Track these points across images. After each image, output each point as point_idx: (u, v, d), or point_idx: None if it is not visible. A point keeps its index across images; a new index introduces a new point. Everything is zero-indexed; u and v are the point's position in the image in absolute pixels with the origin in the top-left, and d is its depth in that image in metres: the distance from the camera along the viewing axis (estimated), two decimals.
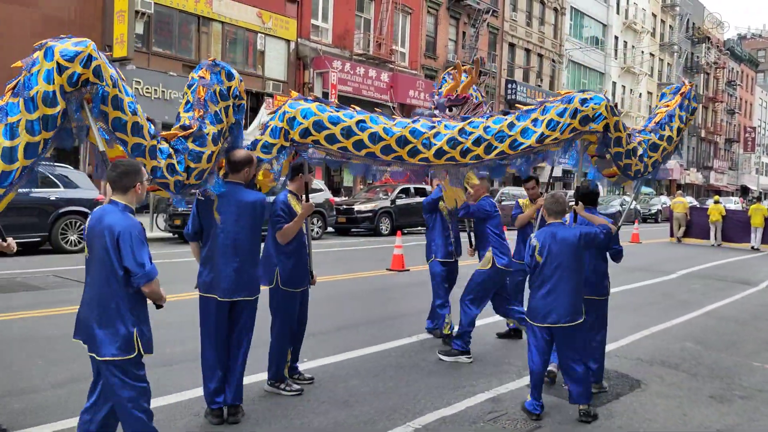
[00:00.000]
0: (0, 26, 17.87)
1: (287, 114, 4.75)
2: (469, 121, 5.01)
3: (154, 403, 4.64)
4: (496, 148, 4.87)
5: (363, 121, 4.81)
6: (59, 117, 3.54)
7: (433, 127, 4.89)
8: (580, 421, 4.63)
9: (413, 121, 4.97)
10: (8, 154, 3.46)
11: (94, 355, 3.38)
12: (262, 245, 4.80)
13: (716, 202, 22.33)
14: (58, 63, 3.48)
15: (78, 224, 13.14)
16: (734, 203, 38.00)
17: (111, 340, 3.35)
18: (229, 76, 4.30)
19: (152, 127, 4.01)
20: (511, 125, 4.92)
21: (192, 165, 4.09)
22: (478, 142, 4.87)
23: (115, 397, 3.39)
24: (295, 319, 5.11)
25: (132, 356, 3.38)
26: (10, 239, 4.40)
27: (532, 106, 5.08)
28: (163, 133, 4.17)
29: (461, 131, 4.90)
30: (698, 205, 25.19)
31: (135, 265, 3.31)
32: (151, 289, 3.41)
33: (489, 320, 7.88)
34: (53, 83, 3.47)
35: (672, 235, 22.16)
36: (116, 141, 3.84)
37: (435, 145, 4.83)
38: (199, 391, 4.69)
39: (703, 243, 21.13)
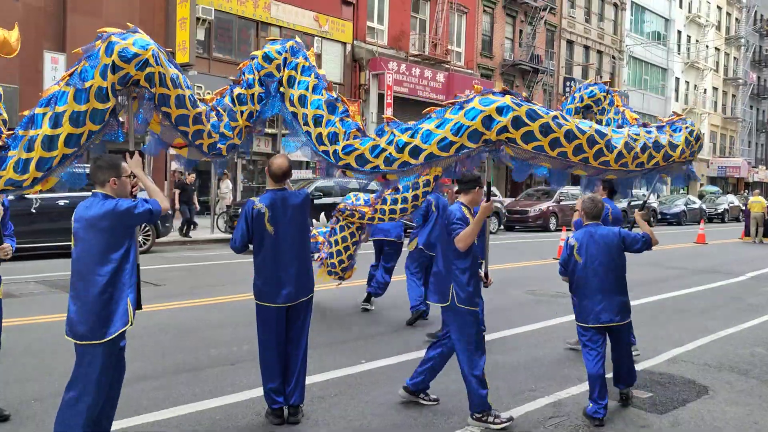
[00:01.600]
0: (69, 35, 18.64)
1: (482, 113, 4.19)
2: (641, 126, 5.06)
3: (217, 402, 4.77)
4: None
5: (557, 117, 4.36)
6: (108, 112, 3.64)
7: (605, 131, 4.62)
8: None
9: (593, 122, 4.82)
10: (47, 142, 3.56)
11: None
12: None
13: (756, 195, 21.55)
14: (114, 62, 3.57)
15: (143, 226, 13.57)
16: None
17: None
18: (266, 59, 4.66)
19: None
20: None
21: (231, 123, 4.51)
22: (644, 148, 4.75)
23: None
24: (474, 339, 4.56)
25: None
26: (6, 243, 4.46)
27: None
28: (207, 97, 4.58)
29: (631, 136, 4.68)
30: None
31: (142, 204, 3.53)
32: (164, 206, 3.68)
33: (551, 323, 7.76)
34: (107, 80, 3.56)
35: (747, 234, 21.48)
36: (178, 133, 4.10)
37: (615, 147, 4.57)
38: (261, 391, 4.77)
39: None
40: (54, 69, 18.04)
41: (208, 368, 5.60)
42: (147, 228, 13.60)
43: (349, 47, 25.67)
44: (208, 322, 7.39)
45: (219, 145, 4.58)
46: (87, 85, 3.52)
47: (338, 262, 7.65)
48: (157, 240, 14.05)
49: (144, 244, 13.58)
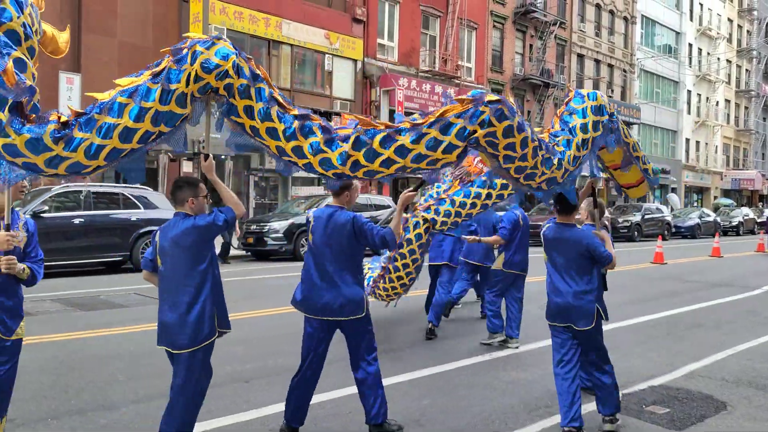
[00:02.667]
0: (84, 56, 18.91)
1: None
2: None
3: (231, 419, 4.77)
4: None
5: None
6: (182, 118, 3.63)
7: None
8: None
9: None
10: (125, 134, 3.45)
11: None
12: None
13: None
14: (196, 71, 3.55)
15: None
16: None
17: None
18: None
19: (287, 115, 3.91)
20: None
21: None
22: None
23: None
24: None
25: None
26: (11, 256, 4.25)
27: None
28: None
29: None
30: None
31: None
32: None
33: None
34: (189, 87, 3.54)
35: None
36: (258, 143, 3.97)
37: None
38: (275, 408, 4.77)
39: None
40: (69, 89, 18.30)
41: (223, 385, 5.60)
42: None
43: (359, 64, 25.85)
44: (224, 339, 7.36)
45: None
46: (173, 87, 3.49)
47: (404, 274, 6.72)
48: None
49: None
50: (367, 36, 26.11)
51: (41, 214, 12.06)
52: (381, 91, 26.08)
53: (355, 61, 25.72)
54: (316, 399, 5.22)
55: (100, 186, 13.86)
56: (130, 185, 13.82)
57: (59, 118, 3.39)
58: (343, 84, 25.48)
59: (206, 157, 3.87)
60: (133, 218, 13.39)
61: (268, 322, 8.43)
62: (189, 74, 3.52)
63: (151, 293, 10.38)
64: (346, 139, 3.82)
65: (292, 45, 23.55)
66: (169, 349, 3.81)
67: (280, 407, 5.00)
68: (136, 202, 13.59)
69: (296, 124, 3.81)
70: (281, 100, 3.88)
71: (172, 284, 3.80)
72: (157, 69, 3.54)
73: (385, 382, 5.73)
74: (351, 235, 4.35)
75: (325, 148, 3.82)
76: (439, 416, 4.96)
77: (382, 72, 26.30)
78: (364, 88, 26.08)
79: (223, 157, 18.32)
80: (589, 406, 5.24)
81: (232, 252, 16.81)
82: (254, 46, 22.61)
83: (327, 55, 24.72)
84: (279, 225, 16.09)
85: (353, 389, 5.50)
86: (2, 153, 3.27)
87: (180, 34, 20.72)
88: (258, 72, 3.81)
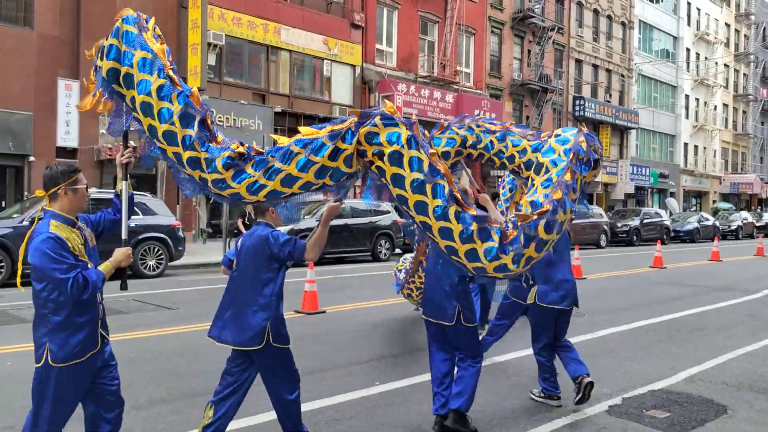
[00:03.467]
0: (83, 63, 18.92)
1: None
2: None
3: (235, 425, 4.75)
4: None
5: None
6: (347, 176, 3.65)
7: None
8: None
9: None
10: (288, 180, 3.57)
11: None
12: None
13: None
14: (360, 140, 3.59)
15: (156, 250, 13.64)
16: None
17: None
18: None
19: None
20: None
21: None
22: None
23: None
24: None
25: None
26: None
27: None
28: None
29: None
30: None
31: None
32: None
33: None
34: (353, 148, 3.58)
35: None
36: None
37: None
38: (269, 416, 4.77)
39: None
40: (67, 96, 18.31)
41: (208, 395, 5.58)
42: (160, 251, 13.68)
43: (358, 70, 25.89)
44: (213, 346, 7.37)
45: None
46: (343, 147, 3.55)
47: None
48: (170, 263, 14.11)
49: (157, 268, 13.65)
50: (366, 41, 26.16)
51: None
52: (380, 96, 26.11)
53: (353, 66, 25.76)
54: (316, 405, 5.22)
55: (98, 192, 13.87)
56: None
57: (237, 147, 3.64)
58: (341, 89, 25.52)
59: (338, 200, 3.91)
60: (132, 224, 13.37)
61: None
62: (358, 140, 3.59)
63: (150, 300, 10.37)
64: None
65: (290, 51, 23.59)
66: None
67: (272, 415, 4.99)
68: (135, 208, 13.54)
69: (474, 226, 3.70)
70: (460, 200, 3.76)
71: (240, 288, 3.94)
72: (338, 127, 3.59)
73: (386, 387, 5.75)
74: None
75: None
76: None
77: (380, 77, 26.35)
78: (362, 94, 26.12)
79: None
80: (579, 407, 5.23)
81: None
82: (253, 51, 22.66)
83: (326, 61, 24.77)
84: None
85: (353, 395, 5.50)
86: (185, 163, 3.65)
87: (179, 40, 20.77)
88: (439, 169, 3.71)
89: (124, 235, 3.84)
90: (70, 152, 18.76)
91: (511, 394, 5.65)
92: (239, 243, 4.03)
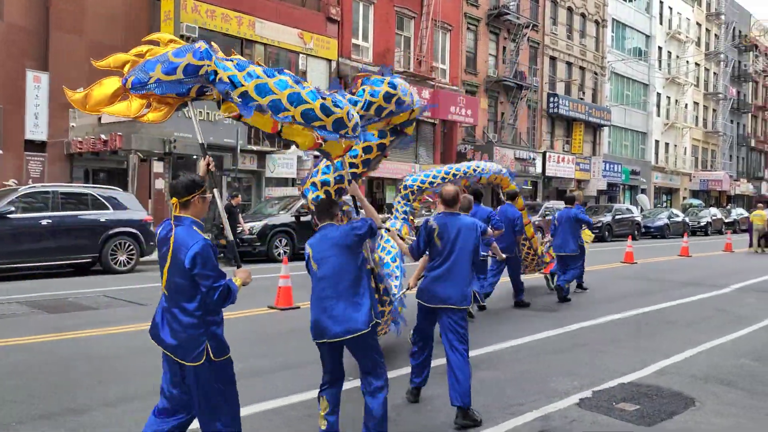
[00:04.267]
0: (52, 54, 18.60)
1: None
2: None
3: None
4: None
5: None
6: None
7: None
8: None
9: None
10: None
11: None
12: None
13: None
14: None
15: (127, 245, 13.45)
16: None
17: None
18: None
19: None
20: None
21: None
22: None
23: None
24: None
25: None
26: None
27: None
28: None
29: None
30: None
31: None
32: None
33: (538, 337, 7.76)
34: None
35: (750, 245, 23.01)
36: None
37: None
38: (256, 408, 4.73)
39: None
40: (36, 88, 17.97)
41: None
42: (131, 247, 13.50)
43: (334, 64, 25.79)
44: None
45: None
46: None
47: None
48: (141, 259, 13.93)
49: (128, 263, 13.47)
50: (342, 36, 26.06)
51: (7, 215, 11.82)
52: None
53: (329, 61, 25.65)
54: (290, 400, 5.19)
55: (68, 186, 13.63)
56: (99, 186, 13.61)
57: None
58: (317, 84, 25.04)
59: (350, 181, 4.74)
60: (102, 219, 13.17)
61: (242, 324, 8.35)
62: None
63: (121, 296, 10.23)
64: None
65: (265, 44, 23.40)
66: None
67: (253, 409, 4.96)
68: (105, 203, 13.36)
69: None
70: None
71: (337, 279, 4.21)
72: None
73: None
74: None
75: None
76: (413, 415, 4.96)
77: (356, 72, 26.25)
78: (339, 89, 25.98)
79: (195, 156, 18.12)
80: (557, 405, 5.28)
81: None
82: (227, 44, 22.36)
83: (301, 55, 24.62)
84: (252, 226, 15.97)
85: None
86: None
87: (150, 33, 20.47)
88: None
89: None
90: (38, 145, 18.42)
91: (483, 388, 5.67)
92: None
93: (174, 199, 3.54)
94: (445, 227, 5.03)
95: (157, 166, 20.29)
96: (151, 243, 14.03)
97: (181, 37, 20.24)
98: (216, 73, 3.95)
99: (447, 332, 4.99)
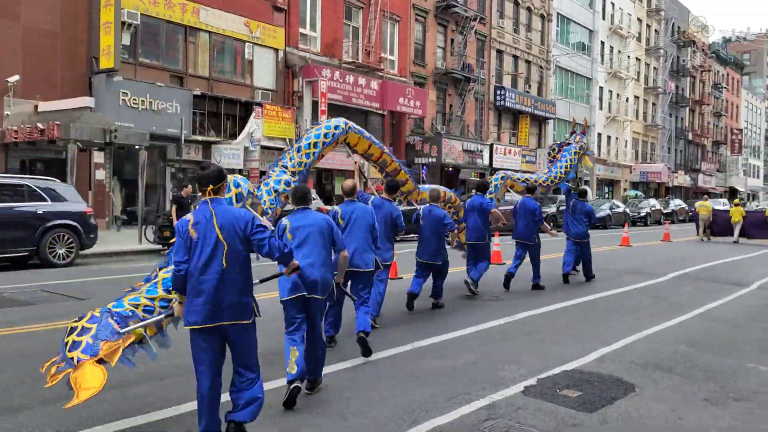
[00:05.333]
0: None
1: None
2: None
3: (144, 419, 4.59)
4: None
5: None
6: None
7: None
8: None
9: None
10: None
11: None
12: None
13: (736, 204, 24.68)
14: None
15: (66, 238, 13.00)
16: (722, 205, 38.27)
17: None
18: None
19: None
20: None
21: None
22: None
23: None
24: None
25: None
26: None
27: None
28: None
29: None
30: (721, 208, 27.80)
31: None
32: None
33: (486, 326, 7.86)
34: None
35: (697, 233, 24.62)
36: None
37: None
38: (192, 406, 4.63)
39: (726, 240, 23.50)
40: None
41: (136, 385, 5.39)
42: (70, 239, 13.06)
43: (281, 54, 25.46)
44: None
45: None
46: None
47: None
48: (81, 252, 13.49)
49: (67, 256, 13.03)
50: (289, 25, 25.74)
51: None
52: (303, 81, 25.80)
53: (276, 50, 25.31)
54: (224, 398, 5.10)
55: (2, 177, 13.08)
56: (36, 177, 13.09)
57: None
58: (264, 73, 25.04)
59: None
60: (40, 211, 12.68)
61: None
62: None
63: (60, 290, 9.89)
64: None
65: (210, 32, 22.92)
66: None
67: (196, 405, 4.86)
68: (43, 194, 12.86)
69: None
70: None
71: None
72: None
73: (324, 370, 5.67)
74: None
75: None
76: (362, 408, 4.95)
77: (304, 62, 26.01)
78: (286, 78, 25.71)
79: (137, 147, 17.63)
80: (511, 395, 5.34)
81: (148, 246, 16.24)
82: (170, 32, 21.87)
83: (247, 44, 24.22)
84: None
85: (278, 383, 5.41)
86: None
87: (90, 18, 19.79)
88: None
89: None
90: None
91: (431, 378, 5.71)
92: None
93: (210, 187, 4.09)
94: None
95: (98, 157, 19.68)
96: (92, 236, 13.61)
97: (123, 24, 19.64)
98: None
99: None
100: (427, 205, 8.97)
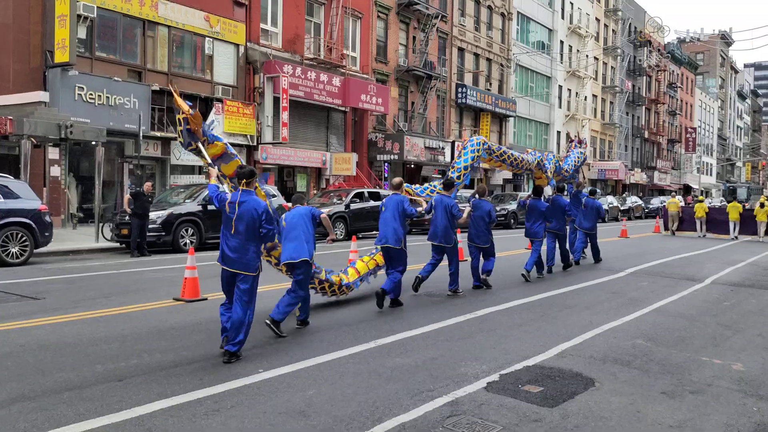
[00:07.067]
0: None
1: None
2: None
3: (104, 420, 4.49)
4: None
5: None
6: None
7: None
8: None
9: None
10: None
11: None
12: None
13: (700, 201, 26.49)
14: None
15: (20, 236, 12.64)
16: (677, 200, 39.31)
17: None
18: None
19: None
20: None
21: None
22: None
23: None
24: None
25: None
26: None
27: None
28: None
29: None
30: (686, 205, 29.33)
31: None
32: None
33: (448, 323, 7.90)
34: None
35: (666, 228, 26.52)
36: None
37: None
38: (150, 407, 4.55)
39: (692, 234, 25.57)
40: None
41: (94, 385, 5.26)
42: (24, 238, 12.70)
43: (242, 49, 25.17)
44: (93, 336, 6.96)
45: None
46: None
47: None
48: (36, 251, 13.13)
49: (21, 255, 12.67)
50: (250, 21, 25.45)
51: None
52: (265, 77, 25.55)
53: (237, 45, 25.00)
54: (194, 396, 5.03)
55: None
56: None
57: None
58: (224, 69, 24.71)
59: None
60: None
61: (145, 317, 8.04)
62: None
63: (13, 290, 9.62)
64: None
65: (169, 26, 22.52)
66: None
67: (156, 406, 4.78)
68: None
69: None
70: None
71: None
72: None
73: (270, 374, 5.65)
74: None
75: None
76: (325, 406, 4.92)
77: (265, 58, 25.76)
78: (247, 74, 25.43)
79: (93, 143, 17.23)
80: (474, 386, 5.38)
81: (105, 245, 15.89)
82: (128, 26, 21.41)
83: (207, 39, 23.87)
84: (156, 215, 15.36)
85: (234, 383, 5.35)
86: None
87: (44, 11, 19.24)
88: None
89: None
90: None
91: (394, 375, 5.71)
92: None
93: (243, 180, 6.27)
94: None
95: (53, 153, 19.17)
96: (47, 234, 13.26)
97: (78, 17, 19.16)
98: None
99: None
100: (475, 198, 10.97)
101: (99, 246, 15.71)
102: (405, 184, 9.90)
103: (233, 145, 23.93)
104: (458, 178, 11.43)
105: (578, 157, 16.27)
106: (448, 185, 10.15)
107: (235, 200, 6.17)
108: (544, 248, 12.60)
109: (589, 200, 14.69)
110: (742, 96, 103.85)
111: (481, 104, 39.43)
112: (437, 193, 10.63)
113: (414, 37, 34.91)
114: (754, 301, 10.36)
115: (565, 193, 14.65)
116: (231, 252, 6.14)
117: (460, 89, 38.06)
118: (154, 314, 8.17)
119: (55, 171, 19.43)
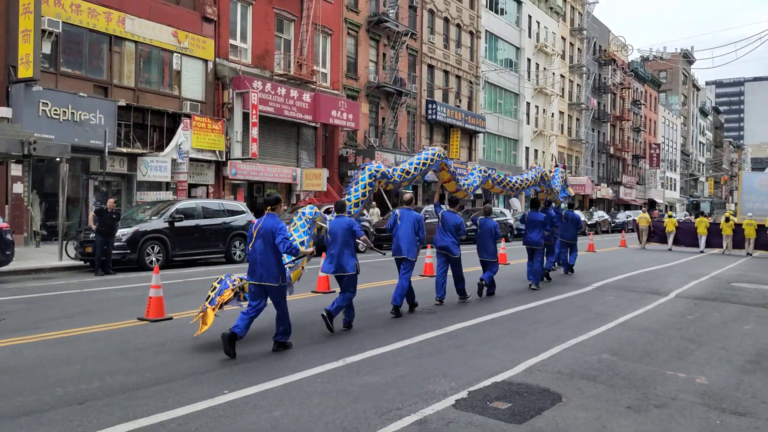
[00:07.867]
0: None
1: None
2: None
3: None
4: None
5: None
6: None
7: None
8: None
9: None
10: None
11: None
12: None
13: (670, 216, 28.16)
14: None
15: None
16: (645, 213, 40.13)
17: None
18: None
19: None
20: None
21: None
22: None
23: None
24: None
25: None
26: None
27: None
28: None
29: None
30: (657, 219, 31.01)
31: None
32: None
33: (416, 339, 7.88)
34: None
35: (639, 242, 27.82)
36: None
37: None
38: (113, 431, 4.43)
39: (662, 247, 27.00)
40: None
41: (53, 409, 5.13)
42: None
43: (211, 65, 25.04)
44: (54, 358, 6.79)
45: None
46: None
47: None
48: None
49: None
50: (219, 36, 25.36)
51: None
52: (234, 93, 25.43)
53: (205, 61, 24.87)
54: (157, 419, 4.93)
55: None
56: None
57: None
58: (192, 84, 24.54)
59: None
60: None
61: (108, 338, 7.87)
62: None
63: None
64: None
65: (136, 42, 22.31)
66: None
67: (118, 430, 4.67)
68: None
69: None
70: None
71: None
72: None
73: (235, 395, 5.56)
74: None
75: None
76: (292, 427, 4.86)
77: (235, 74, 25.65)
78: (216, 90, 25.28)
79: (58, 159, 16.93)
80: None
81: (68, 263, 15.57)
82: (94, 41, 21.17)
83: (175, 54, 23.68)
84: (122, 232, 15.11)
85: (199, 405, 5.26)
86: None
87: (7, 25, 18.94)
88: None
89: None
90: None
91: (363, 393, 5.67)
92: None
93: (269, 207, 7.30)
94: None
95: (15, 169, 18.79)
96: (8, 252, 12.96)
97: (43, 32, 18.89)
98: None
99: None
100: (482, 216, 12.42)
101: (62, 264, 15.38)
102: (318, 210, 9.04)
103: (201, 160, 23.83)
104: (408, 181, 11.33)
105: (561, 176, 17.69)
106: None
107: (257, 222, 7.25)
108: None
109: (569, 213, 16.36)
110: (704, 113, 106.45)
111: (451, 120, 39.76)
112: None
113: (384, 54, 35.13)
114: (717, 314, 10.55)
115: (551, 206, 15.80)
116: (261, 267, 7.20)
117: (430, 105, 38.35)
118: (118, 334, 8.01)
119: (18, 188, 19.04)
